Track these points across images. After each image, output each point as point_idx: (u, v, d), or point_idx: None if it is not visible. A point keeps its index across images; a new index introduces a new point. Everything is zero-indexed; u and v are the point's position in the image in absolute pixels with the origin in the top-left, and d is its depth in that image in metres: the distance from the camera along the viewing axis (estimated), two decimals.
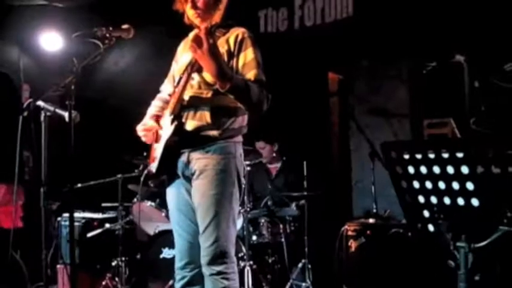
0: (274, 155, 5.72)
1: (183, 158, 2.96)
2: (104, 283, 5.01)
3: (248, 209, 4.69)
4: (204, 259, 2.89)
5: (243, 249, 4.72)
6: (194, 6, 2.97)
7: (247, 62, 2.91)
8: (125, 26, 3.10)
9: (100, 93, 6.58)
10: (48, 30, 6.33)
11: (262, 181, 5.76)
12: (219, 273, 2.86)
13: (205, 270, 2.89)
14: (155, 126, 3.11)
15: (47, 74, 6.32)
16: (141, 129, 3.14)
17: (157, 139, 3.08)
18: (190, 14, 3.01)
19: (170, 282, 4.48)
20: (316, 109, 6.36)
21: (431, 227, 2.38)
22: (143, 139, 3.15)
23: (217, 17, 3.00)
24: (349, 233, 4.58)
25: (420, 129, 4.54)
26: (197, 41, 2.65)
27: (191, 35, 3.00)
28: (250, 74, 2.87)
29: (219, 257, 2.86)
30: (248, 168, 4.72)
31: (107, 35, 3.01)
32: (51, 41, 6.35)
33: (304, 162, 5.10)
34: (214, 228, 2.86)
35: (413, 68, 5.25)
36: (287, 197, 5.31)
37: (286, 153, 5.83)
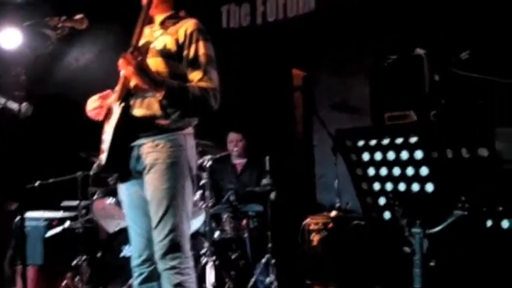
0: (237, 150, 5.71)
1: (134, 153, 2.92)
2: (64, 283, 4.91)
3: (210, 204, 4.64)
4: (157, 253, 2.85)
5: (206, 245, 4.67)
6: None
7: (196, 57, 2.91)
8: (77, 16, 3.05)
9: (61, 90, 6.46)
10: (6, 26, 6.19)
11: (229, 176, 5.73)
12: (172, 268, 2.83)
13: (160, 265, 2.86)
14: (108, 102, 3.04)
15: (6, 71, 6.17)
16: (94, 99, 3.05)
17: (105, 128, 3.02)
18: None
19: (131, 281, 4.41)
20: (280, 105, 6.34)
21: (387, 214, 2.38)
22: (91, 113, 3.05)
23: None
24: (312, 226, 4.57)
25: (381, 123, 4.55)
26: (125, 59, 2.74)
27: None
28: (195, 74, 2.90)
29: (172, 250, 2.82)
30: (210, 162, 4.68)
31: (59, 25, 2.97)
32: (9, 37, 6.20)
33: (267, 158, 5.07)
34: (167, 221, 2.83)
35: (374, 62, 5.26)
36: (251, 192, 5.28)
37: (251, 148, 5.81)
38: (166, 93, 2.76)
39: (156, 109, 2.88)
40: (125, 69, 2.76)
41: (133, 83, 2.92)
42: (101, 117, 3.06)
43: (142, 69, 2.74)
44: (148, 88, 2.81)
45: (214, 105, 2.89)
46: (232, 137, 5.77)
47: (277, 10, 5.94)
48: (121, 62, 2.76)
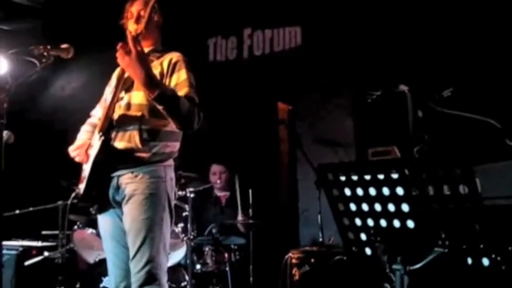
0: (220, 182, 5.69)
1: (113, 183, 2.91)
2: None
3: (192, 237, 4.61)
4: (134, 285, 2.82)
5: (186, 278, 4.63)
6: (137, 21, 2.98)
7: (179, 82, 2.91)
8: (64, 46, 3.04)
9: (46, 118, 6.45)
10: None
11: (212, 209, 5.69)
12: None
13: None
14: (87, 142, 3.05)
15: None
16: (73, 149, 3.06)
17: (87, 159, 3.00)
18: (132, 28, 2.96)
19: None
20: (265, 138, 6.35)
21: (368, 251, 2.36)
22: (77, 159, 3.07)
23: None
24: (293, 260, 4.52)
25: (365, 158, 4.56)
26: (124, 48, 2.67)
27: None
28: (182, 92, 2.87)
29: (148, 282, 2.78)
30: (192, 195, 4.66)
31: (44, 53, 2.94)
32: None
33: (250, 190, 5.05)
34: (144, 252, 2.80)
35: (358, 97, 5.32)
36: (234, 225, 5.25)
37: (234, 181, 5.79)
38: (158, 94, 2.68)
39: (137, 142, 2.87)
40: (124, 58, 2.68)
41: (116, 115, 2.92)
42: (82, 159, 3.05)
43: (142, 59, 2.66)
44: (142, 81, 2.69)
45: (196, 123, 2.85)
46: (215, 169, 5.75)
47: (263, 44, 6.00)
48: (120, 50, 2.69)
